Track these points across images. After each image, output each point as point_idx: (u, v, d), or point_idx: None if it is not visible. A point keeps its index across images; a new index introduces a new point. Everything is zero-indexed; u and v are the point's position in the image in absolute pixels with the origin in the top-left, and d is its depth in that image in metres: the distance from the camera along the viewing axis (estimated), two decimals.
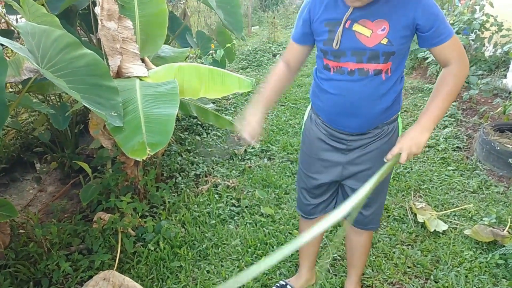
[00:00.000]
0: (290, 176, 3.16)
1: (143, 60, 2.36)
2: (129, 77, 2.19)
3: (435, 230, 2.45)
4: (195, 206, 2.76)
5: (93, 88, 1.74)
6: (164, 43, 2.78)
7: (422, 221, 2.48)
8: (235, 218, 2.66)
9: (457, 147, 3.48)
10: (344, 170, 1.62)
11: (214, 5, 3.05)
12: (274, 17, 8.76)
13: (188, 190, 2.91)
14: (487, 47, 5.20)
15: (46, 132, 2.97)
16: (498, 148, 3.07)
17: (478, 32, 4.87)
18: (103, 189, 2.52)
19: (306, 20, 1.47)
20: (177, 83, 1.99)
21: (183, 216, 2.62)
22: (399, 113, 1.59)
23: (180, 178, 3.04)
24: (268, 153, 3.53)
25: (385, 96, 1.44)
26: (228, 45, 3.32)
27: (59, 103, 2.93)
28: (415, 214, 2.58)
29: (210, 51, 2.93)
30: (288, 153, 3.52)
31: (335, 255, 2.31)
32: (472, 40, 4.96)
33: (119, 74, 2.23)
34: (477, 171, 3.12)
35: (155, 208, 2.65)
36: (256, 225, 2.57)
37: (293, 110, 4.48)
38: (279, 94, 1.66)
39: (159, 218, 2.55)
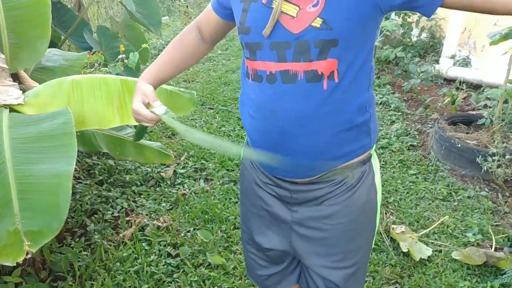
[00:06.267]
0: (236, 202, 2.57)
1: (16, 77, 1.57)
2: None
3: (420, 258, 2.05)
4: (117, 264, 2.05)
5: None
6: (51, 47, 1.99)
7: (407, 250, 2.07)
8: (175, 275, 2.00)
9: (411, 145, 3.17)
10: (293, 235, 1.05)
11: None
12: (187, 6, 7.97)
13: (105, 242, 2.17)
14: (414, 32, 5.08)
15: None
16: (459, 145, 2.79)
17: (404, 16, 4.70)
18: None
19: None
20: (71, 114, 1.25)
21: (102, 284, 1.91)
22: (371, 150, 1.01)
23: (92, 225, 2.28)
24: (203, 173, 2.89)
25: (332, 118, 0.87)
26: (145, 45, 2.52)
27: None
28: (393, 240, 2.17)
29: (120, 56, 2.15)
30: (228, 169, 2.92)
31: None
32: (401, 25, 4.77)
33: None
34: (440, 173, 2.82)
35: (60, 280, 1.89)
36: (204, 283, 1.95)
37: (224, 113, 3.85)
38: (180, 68, 1.09)
39: None
